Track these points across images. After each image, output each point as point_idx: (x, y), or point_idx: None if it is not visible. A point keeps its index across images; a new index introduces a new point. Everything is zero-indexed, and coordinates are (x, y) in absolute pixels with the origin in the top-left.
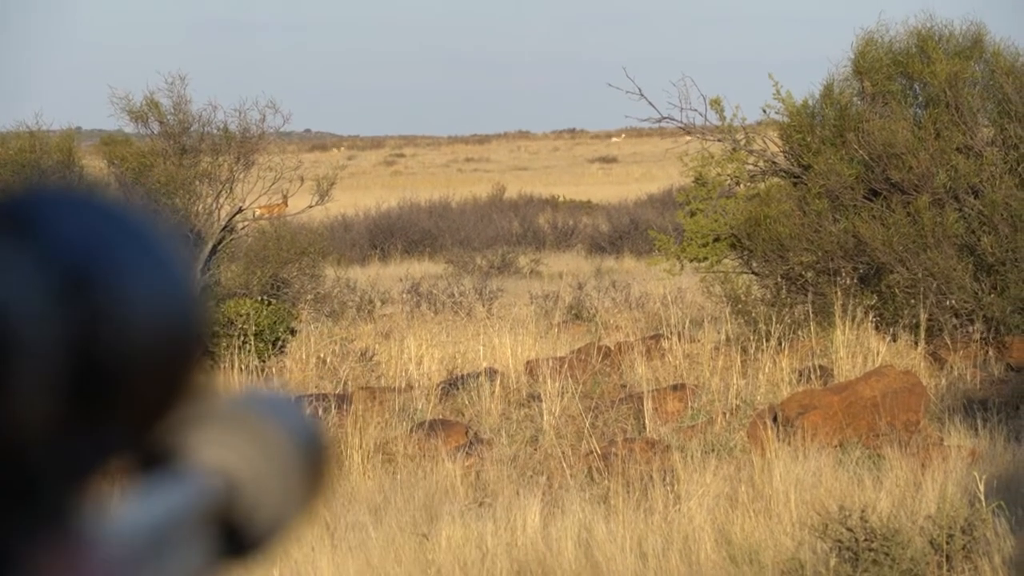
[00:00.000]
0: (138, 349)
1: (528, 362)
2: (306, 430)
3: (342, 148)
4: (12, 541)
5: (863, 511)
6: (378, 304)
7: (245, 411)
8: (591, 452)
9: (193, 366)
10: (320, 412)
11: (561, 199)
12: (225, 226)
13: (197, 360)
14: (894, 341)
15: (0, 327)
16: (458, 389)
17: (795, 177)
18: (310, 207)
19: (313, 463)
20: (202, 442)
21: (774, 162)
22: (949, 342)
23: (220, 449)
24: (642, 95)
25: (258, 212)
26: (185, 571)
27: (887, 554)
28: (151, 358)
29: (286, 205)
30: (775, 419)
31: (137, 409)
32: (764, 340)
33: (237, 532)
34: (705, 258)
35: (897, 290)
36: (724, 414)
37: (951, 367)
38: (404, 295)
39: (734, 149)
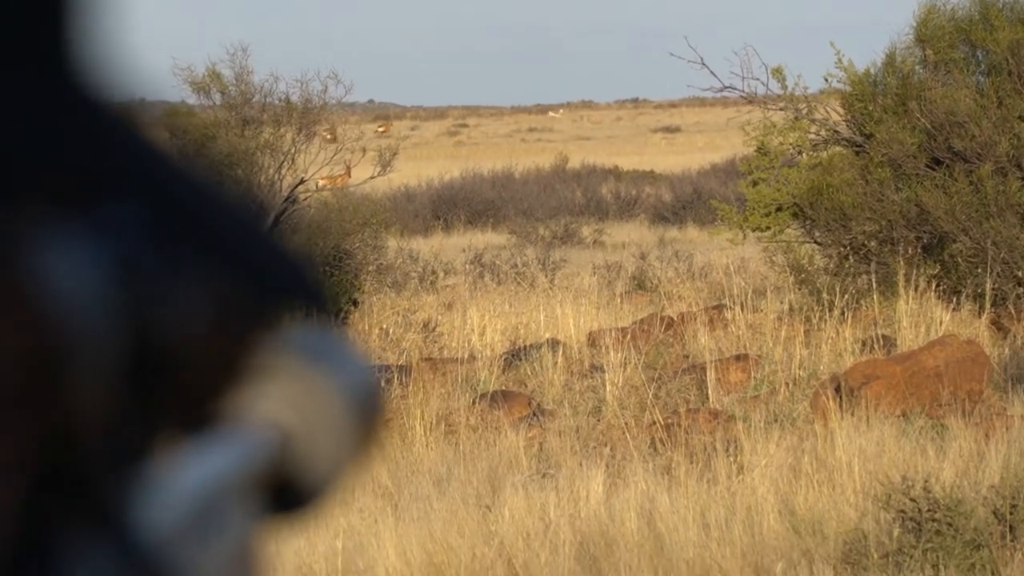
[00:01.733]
0: (204, 333)
1: (590, 333)
2: (360, 378)
3: (406, 119)
4: (63, 534)
5: (926, 481)
6: (441, 275)
7: (297, 360)
8: (654, 423)
9: (255, 340)
10: (383, 384)
11: (624, 169)
12: (287, 197)
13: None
14: (957, 310)
15: (57, 317)
16: (520, 360)
17: (857, 146)
18: (372, 178)
19: (367, 412)
20: (254, 395)
21: (836, 131)
22: (1012, 311)
23: (272, 402)
24: (704, 64)
25: (321, 183)
26: (240, 532)
27: (950, 524)
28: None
29: (349, 176)
30: (838, 389)
31: (197, 390)
32: (827, 310)
33: (291, 487)
34: (768, 228)
35: (960, 259)
36: (787, 384)
37: (1015, 336)
38: (467, 266)
39: (796, 118)
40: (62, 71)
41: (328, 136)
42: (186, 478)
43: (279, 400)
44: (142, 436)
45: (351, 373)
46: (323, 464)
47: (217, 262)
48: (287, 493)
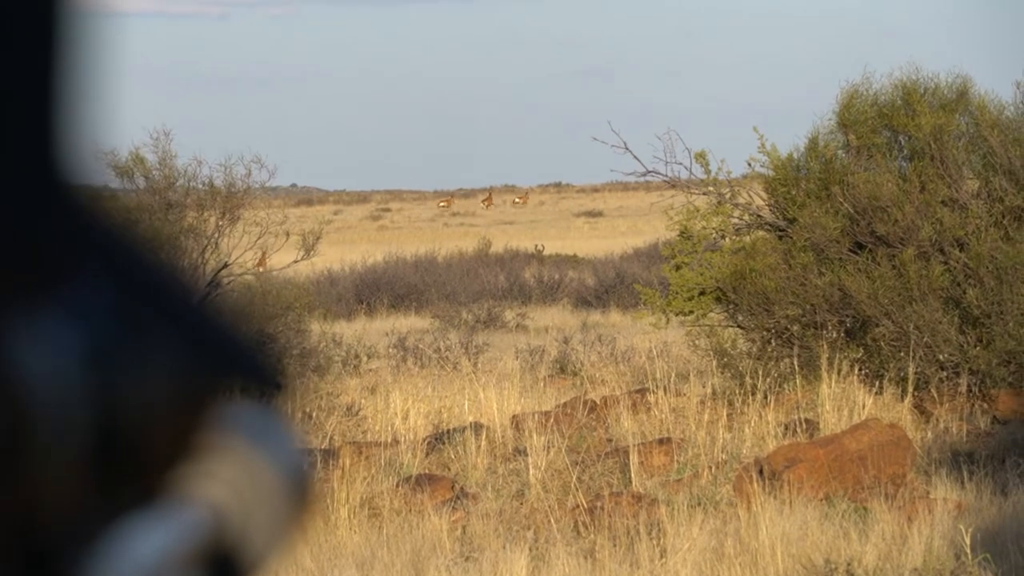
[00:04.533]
0: (160, 415)
1: (514, 416)
2: (293, 459)
3: (328, 203)
4: None
5: (849, 564)
6: (364, 359)
7: (240, 441)
8: (577, 506)
9: (206, 420)
10: (312, 465)
11: (544, 252)
12: (211, 281)
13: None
14: (880, 394)
15: (28, 400)
16: (444, 443)
17: (780, 230)
18: (295, 262)
19: (298, 491)
20: (199, 473)
21: (759, 215)
22: (935, 395)
23: (214, 480)
24: (627, 149)
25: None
26: None
27: None
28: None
29: (263, 263)
30: (761, 472)
31: (153, 469)
32: (750, 393)
33: (226, 562)
34: (691, 311)
35: (883, 343)
36: (710, 468)
37: (937, 420)
38: (390, 349)
39: (719, 202)
40: (30, 158)
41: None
42: (135, 552)
43: (220, 478)
44: (101, 513)
45: (286, 454)
46: (255, 542)
47: (177, 348)
48: (222, 568)
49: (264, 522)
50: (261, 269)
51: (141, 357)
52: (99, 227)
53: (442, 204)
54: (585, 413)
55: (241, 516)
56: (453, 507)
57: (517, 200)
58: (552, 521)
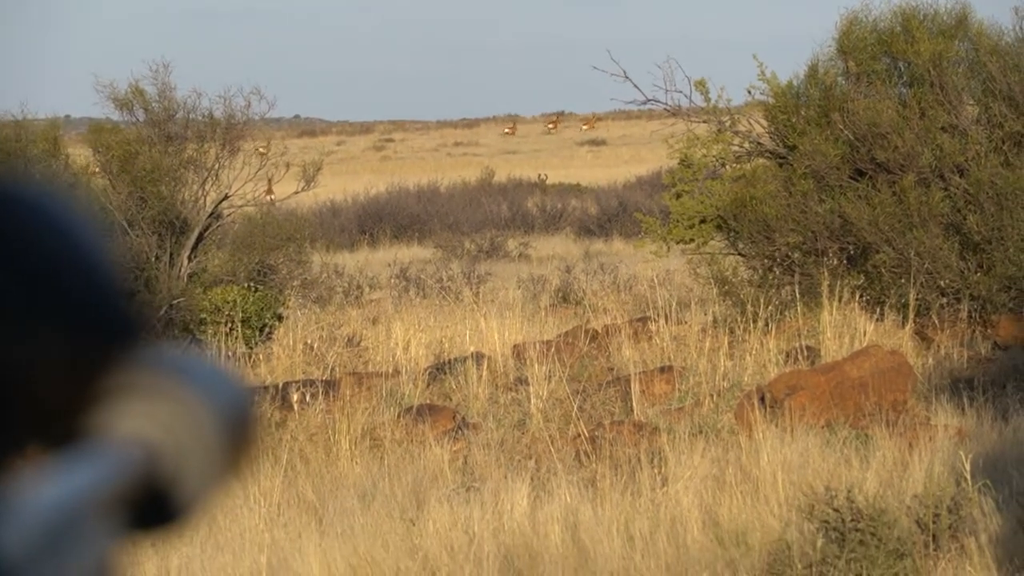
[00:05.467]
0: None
1: (515, 346)
2: (230, 395)
3: (331, 134)
4: None
5: (850, 491)
6: (366, 289)
7: (165, 379)
8: (579, 435)
9: (111, 360)
10: (308, 398)
11: (547, 181)
12: (211, 213)
13: (118, 353)
14: (881, 321)
15: None
16: (445, 374)
17: (781, 158)
18: (296, 193)
19: (237, 428)
20: (120, 413)
21: (760, 143)
22: (936, 321)
23: (139, 419)
24: (627, 78)
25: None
26: (98, 549)
27: (873, 534)
28: (62, 358)
29: (271, 191)
30: (762, 400)
31: (48, 405)
32: (751, 321)
33: (159, 502)
34: (692, 240)
35: (884, 270)
36: (711, 396)
37: (938, 346)
38: (392, 280)
39: (719, 131)
40: None
41: (262, 150)
42: (43, 497)
43: (144, 417)
44: None
45: (220, 390)
46: (192, 479)
47: (57, 309)
48: (155, 508)
49: (200, 459)
50: (271, 197)
51: (24, 314)
52: None
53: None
54: (587, 342)
55: (174, 453)
56: (454, 437)
57: (507, 131)
58: (553, 451)
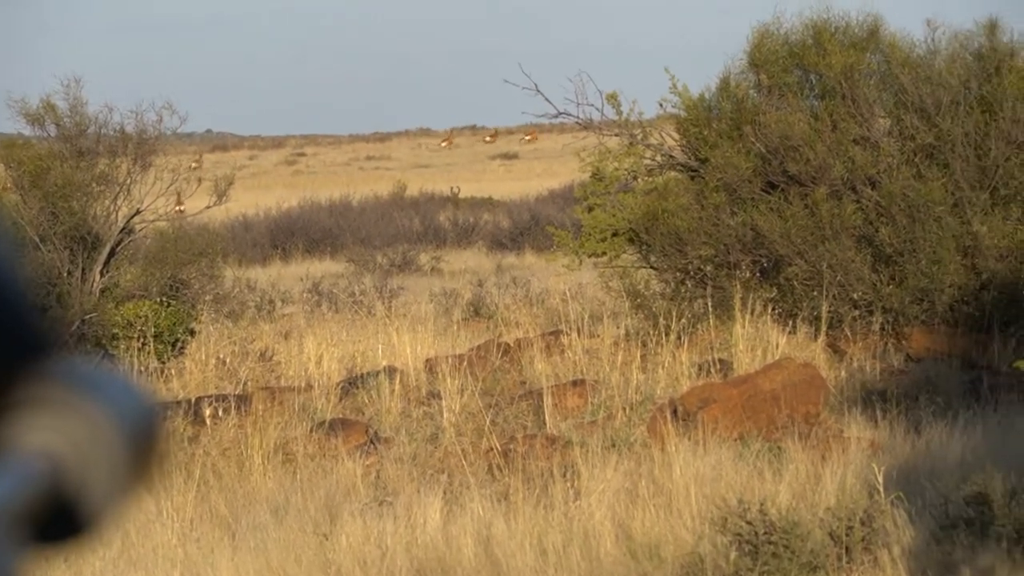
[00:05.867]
0: None
1: (428, 360)
2: (138, 409)
3: (243, 148)
4: None
5: (762, 504)
6: (278, 304)
7: (72, 393)
8: (491, 449)
9: (19, 373)
10: (220, 412)
11: (460, 194)
12: (123, 228)
13: (26, 366)
14: (794, 334)
15: None
16: (358, 388)
17: (692, 171)
18: (208, 207)
19: (145, 442)
20: (27, 427)
21: (671, 156)
22: (849, 334)
23: (45, 432)
24: (538, 91)
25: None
26: (3, 563)
27: (787, 546)
28: None
29: (180, 204)
30: (675, 413)
31: None
32: (664, 335)
33: (65, 514)
34: (604, 253)
35: (796, 282)
36: (624, 409)
37: (851, 359)
38: (304, 294)
39: (631, 144)
40: None
41: (194, 165)
42: None
43: (50, 430)
44: None
45: (127, 404)
46: (98, 492)
47: None
48: (62, 521)
49: (105, 472)
50: (180, 208)
51: None
52: None
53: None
54: (499, 356)
55: (79, 465)
56: (367, 451)
57: (527, 137)
58: (466, 464)
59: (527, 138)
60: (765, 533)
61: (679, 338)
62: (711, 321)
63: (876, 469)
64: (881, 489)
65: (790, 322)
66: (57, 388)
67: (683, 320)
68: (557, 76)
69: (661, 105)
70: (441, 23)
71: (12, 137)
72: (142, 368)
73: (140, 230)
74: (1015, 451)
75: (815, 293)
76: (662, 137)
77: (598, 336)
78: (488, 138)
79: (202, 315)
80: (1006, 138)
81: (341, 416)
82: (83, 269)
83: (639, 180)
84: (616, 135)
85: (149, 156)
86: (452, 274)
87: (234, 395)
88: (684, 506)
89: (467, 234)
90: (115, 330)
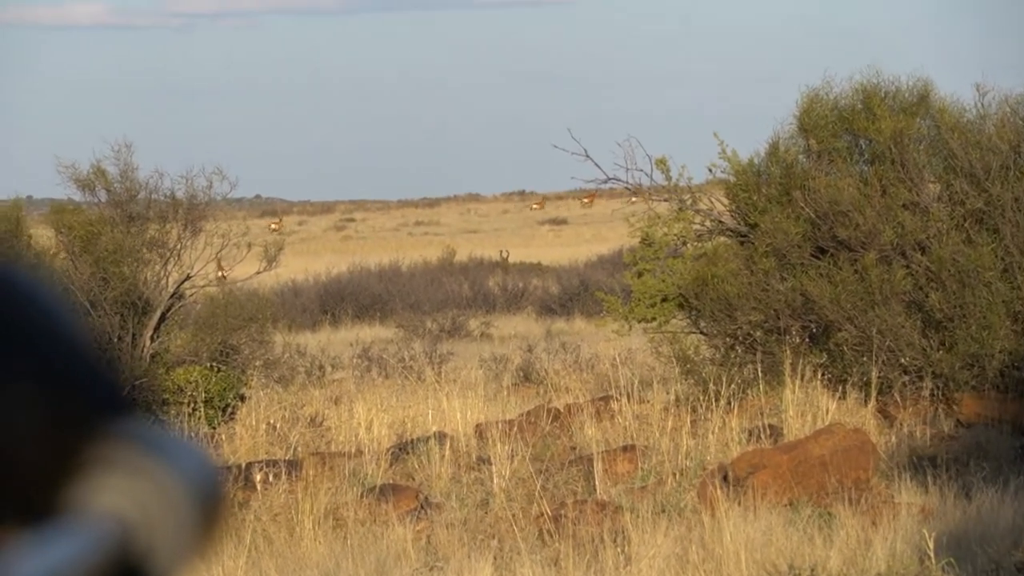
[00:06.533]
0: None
1: (478, 425)
2: (199, 470)
3: (292, 213)
4: None
5: (813, 569)
6: (328, 369)
7: (140, 454)
8: (541, 514)
9: (91, 432)
10: (271, 477)
11: (509, 259)
12: (174, 293)
13: (98, 425)
14: (843, 399)
15: None
16: (408, 453)
17: (742, 236)
18: (258, 273)
19: (208, 505)
20: (97, 488)
21: (721, 221)
22: (899, 399)
23: (115, 494)
24: (588, 156)
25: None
26: None
27: None
28: (43, 429)
29: (221, 270)
30: (725, 479)
31: (28, 478)
32: (713, 400)
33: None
34: (654, 318)
35: (846, 348)
36: (674, 474)
37: (900, 424)
38: (354, 360)
39: (680, 209)
40: None
41: (275, 227)
42: (24, 571)
43: (119, 492)
44: None
45: (190, 465)
46: (164, 555)
47: (37, 381)
48: None
49: (171, 534)
50: (222, 275)
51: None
52: None
53: (273, 227)
54: (549, 421)
55: (147, 529)
56: (418, 517)
57: (272, 227)
58: (516, 530)
59: (585, 200)
60: None
61: (729, 403)
62: (761, 387)
63: (927, 535)
64: (932, 555)
65: (840, 388)
66: (127, 449)
67: (733, 385)
68: (606, 141)
69: (710, 170)
70: (487, 87)
71: (63, 203)
72: (192, 434)
73: (190, 295)
74: None
75: (865, 358)
76: (711, 202)
77: (648, 402)
78: (535, 205)
79: (252, 380)
80: None
81: (391, 481)
82: (133, 334)
83: (688, 245)
84: (665, 200)
85: (199, 221)
86: (502, 339)
87: (284, 460)
88: (735, 571)
89: (516, 299)
90: (165, 395)
